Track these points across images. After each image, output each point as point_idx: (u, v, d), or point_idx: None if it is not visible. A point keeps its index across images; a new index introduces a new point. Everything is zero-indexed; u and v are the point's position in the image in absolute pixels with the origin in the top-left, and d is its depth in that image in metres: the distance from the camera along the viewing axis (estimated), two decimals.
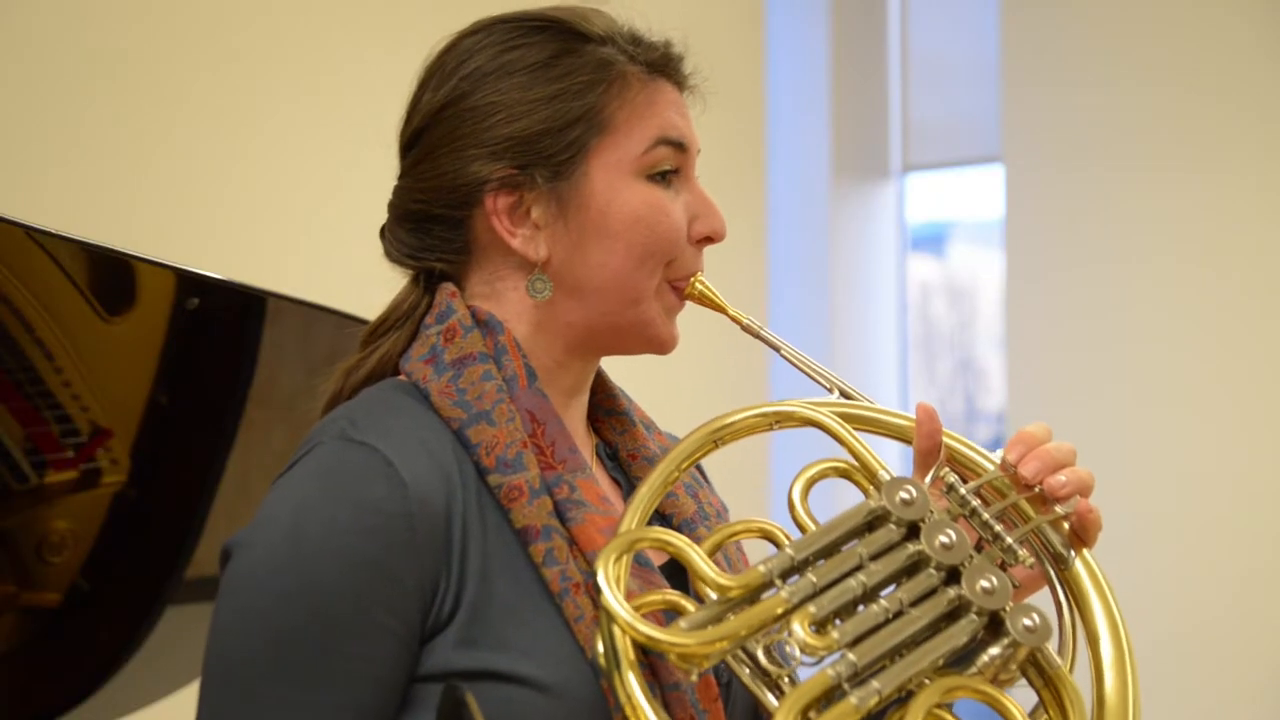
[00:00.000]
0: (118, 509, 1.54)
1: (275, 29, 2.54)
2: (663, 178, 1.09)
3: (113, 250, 1.45)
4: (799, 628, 0.89)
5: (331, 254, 2.55)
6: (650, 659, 0.96)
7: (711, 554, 1.00)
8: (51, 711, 1.56)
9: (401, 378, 1.08)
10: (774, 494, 3.82)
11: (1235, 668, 3.31)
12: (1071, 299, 3.57)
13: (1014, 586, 0.98)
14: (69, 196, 2.17)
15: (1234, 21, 3.37)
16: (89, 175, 2.21)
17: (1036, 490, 1.03)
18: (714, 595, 0.92)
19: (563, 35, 1.09)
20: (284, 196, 2.52)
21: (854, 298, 4.09)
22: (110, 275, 1.50)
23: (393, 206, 1.14)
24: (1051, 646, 0.96)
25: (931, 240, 4.33)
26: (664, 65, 1.12)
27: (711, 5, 3.65)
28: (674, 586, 1.04)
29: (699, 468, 1.22)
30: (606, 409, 1.19)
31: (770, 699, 0.92)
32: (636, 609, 0.92)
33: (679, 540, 0.94)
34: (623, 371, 1.22)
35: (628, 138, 1.08)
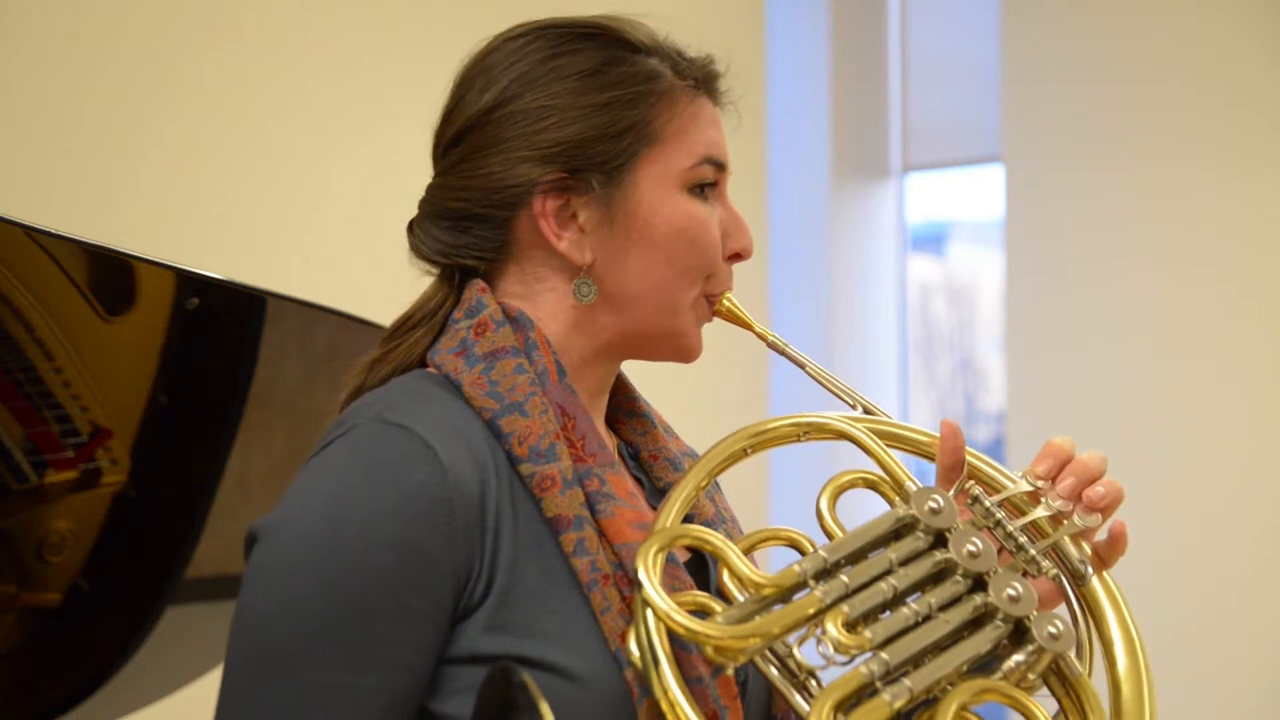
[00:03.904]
0: (118, 509, 1.54)
1: (276, 29, 2.54)
2: (701, 192, 1.11)
3: (113, 250, 1.45)
4: (832, 627, 0.91)
5: (332, 254, 2.55)
6: (675, 653, 0.97)
7: (744, 554, 1.01)
8: (51, 711, 1.56)
9: (430, 369, 1.09)
10: (773, 505, 3.81)
11: (1235, 670, 3.31)
12: (1071, 299, 3.57)
13: None
14: (69, 196, 2.17)
15: (1234, 21, 3.37)
16: (89, 175, 2.21)
17: (1068, 506, 1.05)
18: (743, 595, 0.95)
19: (611, 44, 1.10)
20: (284, 196, 2.51)
21: (854, 298, 4.08)
22: (110, 275, 1.49)
23: (427, 204, 1.14)
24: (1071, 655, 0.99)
25: (931, 240, 4.33)
26: (706, 82, 1.14)
27: (711, 5, 3.65)
28: (695, 584, 1.06)
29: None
30: (627, 410, 1.20)
31: (798, 699, 0.93)
32: None
33: (717, 539, 0.96)
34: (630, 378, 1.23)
35: (675, 151, 1.10)
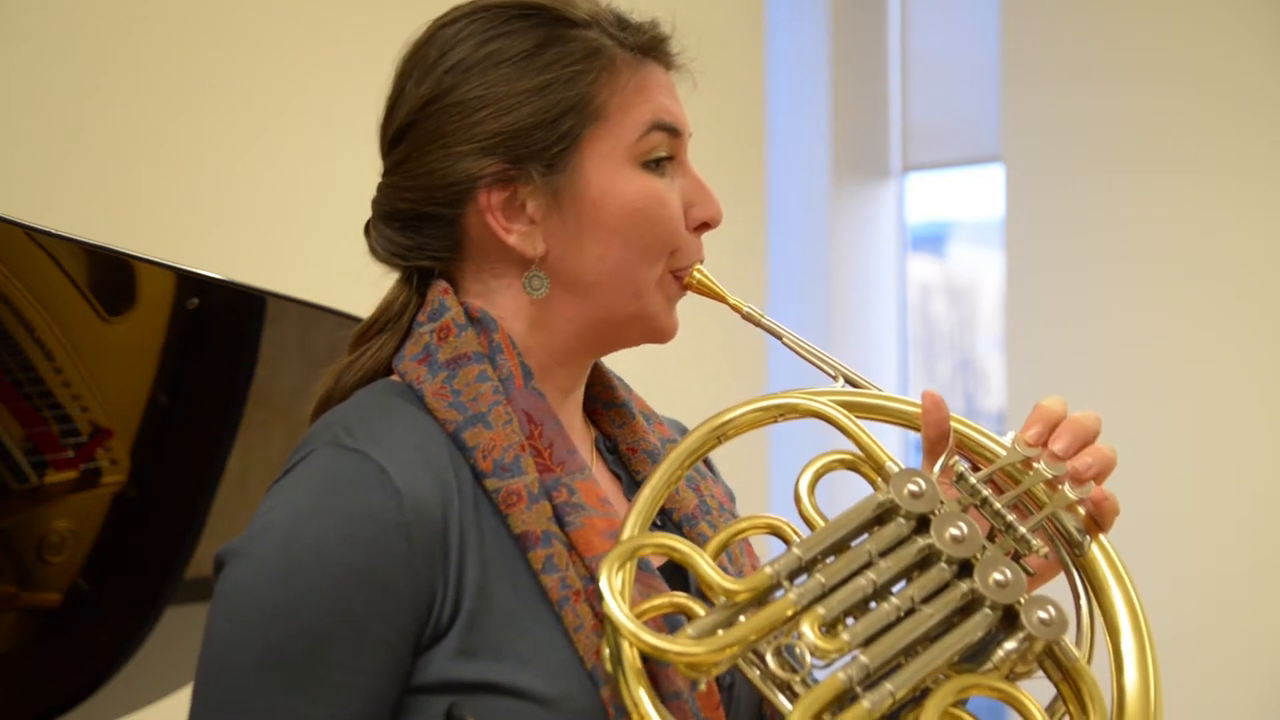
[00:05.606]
0: (118, 509, 1.54)
1: (275, 28, 2.54)
2: (657, 165, 1.06)
3: (113, 250, 1.44)
4: (808, 630, 0.87)
5: (331, 254, 2.54)
6: (651, 667, 0.92)
7: (717, 553, 0.98)
8: (51, 711, 1.56)
9: (395, 378, 1.06)
10: (774, 482, 3.82)
11: (1234, 669, 3.31)
12: (1071, 299, 3.57)
13: (1029, 574, 0.96)
14: (69, 196, 2.17)
15: (1234, 21, 3.37)
16: (89, 175, 2.21)
17: (1057, 471, 0.99)
18: (721, 599, 0.90)
19: (547, 22, 1.06)
20: (284, 196, 2.51)
21: (854, 298, 4.09)
22: (110, 275, 1.49)
23: (378, 204, 1.11)
24: (1069, 637, 0.93)
25: (931, 240, 4.33)
26: (652, 47, 1.08)
27: (711, 5, 3.65)
28: (677, 586, 1.03)
29: (704, 458, 1.19)
30: (605, 401, 1.16)
31: (783, 701, 0.89)
32: (641, 615, 0.91)
33: (683, 545, 0.92)
34: (619, 361, 1.21)
35: (620, 125, 1.05)
